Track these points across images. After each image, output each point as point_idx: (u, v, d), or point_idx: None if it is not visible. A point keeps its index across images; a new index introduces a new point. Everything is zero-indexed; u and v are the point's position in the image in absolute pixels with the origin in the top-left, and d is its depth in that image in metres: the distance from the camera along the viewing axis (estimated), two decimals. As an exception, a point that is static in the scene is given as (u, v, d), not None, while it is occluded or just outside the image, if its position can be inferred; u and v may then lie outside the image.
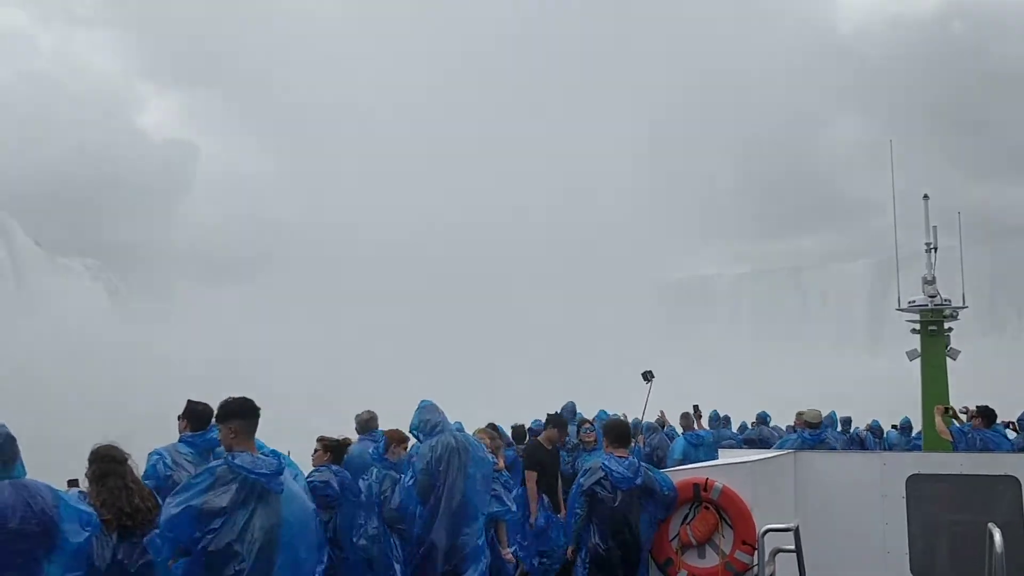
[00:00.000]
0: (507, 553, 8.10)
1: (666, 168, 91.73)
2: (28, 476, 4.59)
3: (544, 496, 9.85)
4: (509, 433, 12.26)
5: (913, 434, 18.36)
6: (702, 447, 13.14)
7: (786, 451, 8.74)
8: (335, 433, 8.08)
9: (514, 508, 8.72)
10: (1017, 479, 7.20)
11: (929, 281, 15.22)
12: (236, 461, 4.93)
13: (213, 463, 5.13)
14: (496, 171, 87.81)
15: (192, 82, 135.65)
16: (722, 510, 6.71)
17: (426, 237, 79.47)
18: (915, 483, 7.49)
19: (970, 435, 11.27)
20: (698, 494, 6.80)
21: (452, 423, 7.74)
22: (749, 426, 17.55)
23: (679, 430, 14.45)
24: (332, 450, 7.70)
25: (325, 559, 6.65)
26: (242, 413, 5.15)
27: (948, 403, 13.77)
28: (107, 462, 5.06)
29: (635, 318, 73.19)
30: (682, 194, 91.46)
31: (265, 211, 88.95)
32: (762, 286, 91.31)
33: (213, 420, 6.77)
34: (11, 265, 74.40)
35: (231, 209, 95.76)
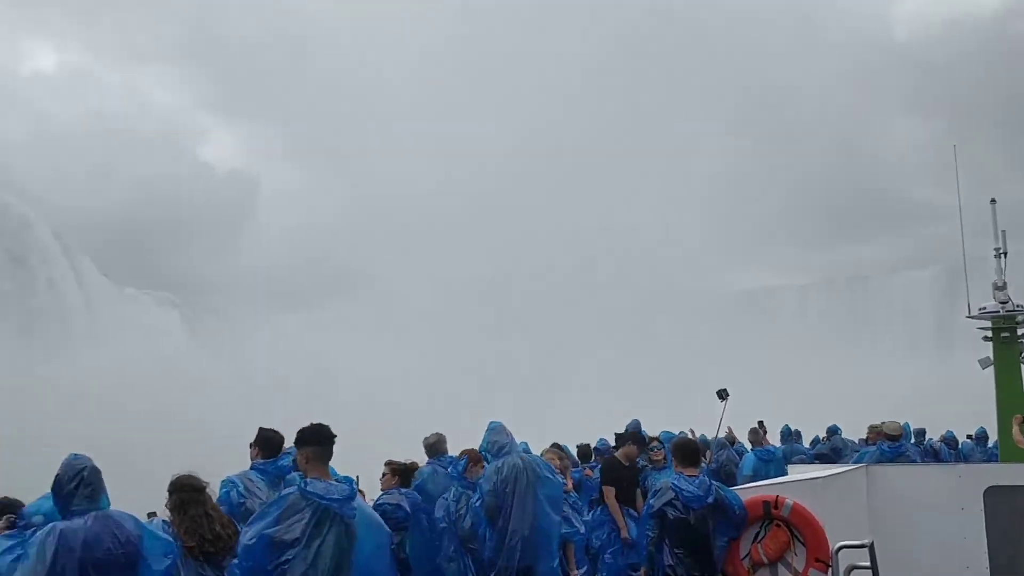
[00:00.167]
0: (575, 574, 8.09)
1: (725, 179, 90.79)
2: (112, 507, 4.73)
3: (632, 510, 9.80)
4: (574, 453, 12.25)
5: (989, 444, 17.90)
6: (772, 463, 12.94)
7: (857, 465, 8.59)
8: (403, 457, 8.17)
9: (583, 530, 8.71)
10: None
11: (1000, 287, 14.86)
12: (309, 488, 5.00)
13: (286, 491, 5.19)
14: (554, 180, 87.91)
15: (253, 113, 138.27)
16: (794, 527, 6.62)
17: (486, 255, 79.79)
18: (993, 495, 7.30)
19: (1049, 444, 10.97)
20: (768, 512, 6.71)
21: (518, 444, 7.76)
22: (820, 440, 17.25)
23: (748, 446, 14.28)
24: (400, 474, 7.79)
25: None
26: (316, 439, 5.22)
27: (1024, 411, 13.39)
28: (187, 491, 5.19)
29: (697, 333, 72.42)
30: (742, 205, 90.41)
31: (327, 238, 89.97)
32: (827, 296, 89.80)
33: (285, 446, 6.93)
34: (83, 298, 76.43)
35: (294, 237, 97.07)
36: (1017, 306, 14.84)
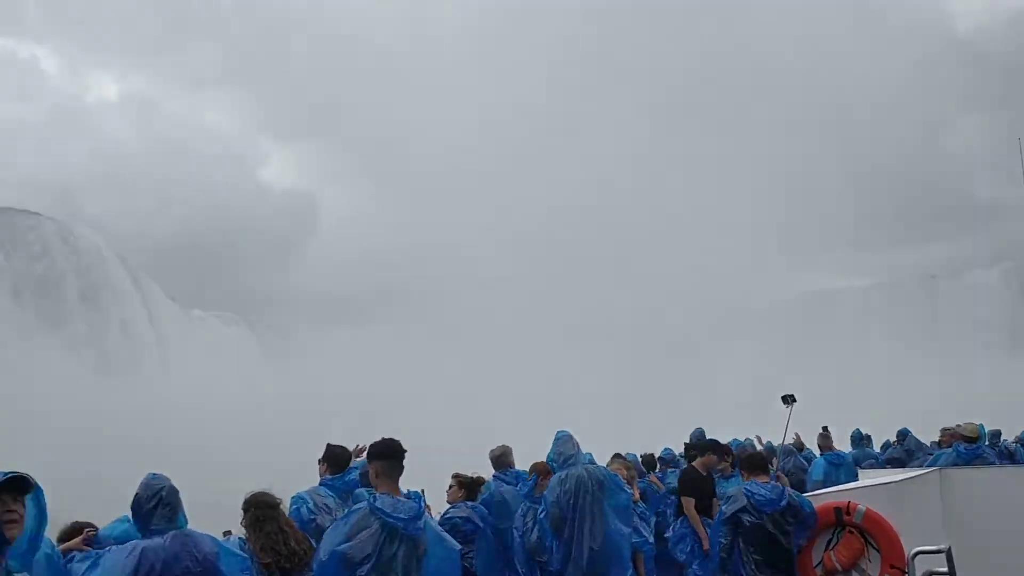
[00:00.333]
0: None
1: (784, 180, 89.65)
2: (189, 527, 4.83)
3: (711, 520, 9.68)
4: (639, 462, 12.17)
5: (1067, 445, 17.36)
6: (843, 467, 12.71)
7: (931, 469, 8.41)
8: (469, 470, 8.20)
9: (651, 540, 8.65)
10: None
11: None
12: (376, 503, 5.04)
13: (356, 507, 5.25)
14: (616, 191, 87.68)
15: (310, 133, 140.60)
16: (867, 533, 6.51)
17: (546, 268, 79.87)
18: None
19: None
20: (840, 518, 6.61)
21: (584, 455, 7.74)
22: (891, 444, 16.90)
23: (815, 452, 14.04)
24: (467, 487, 7.83)
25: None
26: (386, 454, 5.25)
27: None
28: (262, 508, 5.28)
29: (761, 338, 71.56)
30: (801, 207, 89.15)
31: (384, 253, 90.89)
32: (893, 297, 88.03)
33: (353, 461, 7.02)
34: (149, 320, 78.08)
35: (352, 253, 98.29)
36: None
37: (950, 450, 11.17)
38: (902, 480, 7.12)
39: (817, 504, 6.80)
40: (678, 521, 9.44)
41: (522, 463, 8.74)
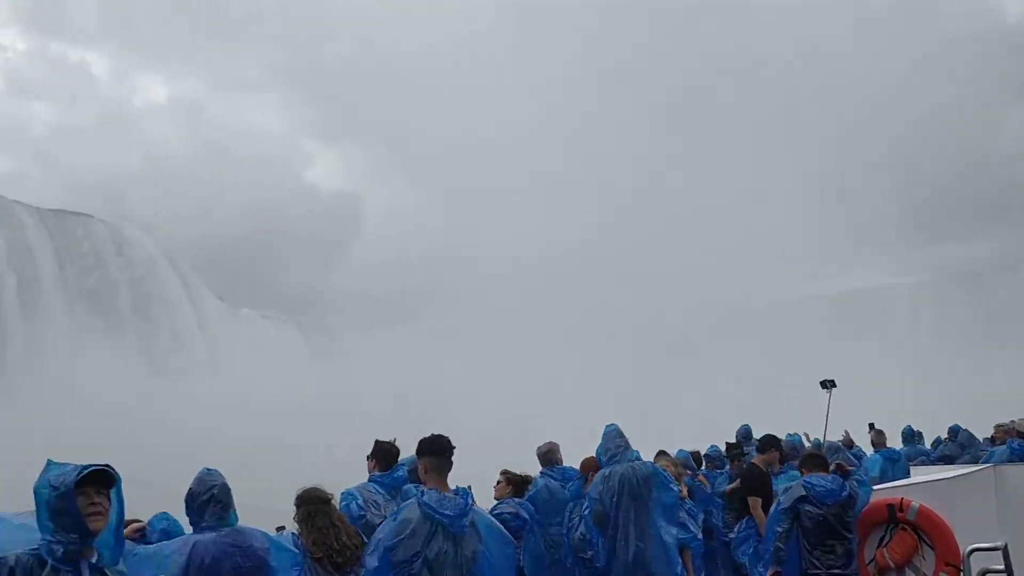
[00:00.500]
0: (694, 584, 7.96)
1: (827, 174, 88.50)
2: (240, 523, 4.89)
3: None
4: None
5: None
6: (898, 464, 12.53)
7: (985, 466, 8.27)
8: (517, 467, 8.21)
9: (700, 536, 8.58)
10: None
11: None
12: (424, 499, 5.06)
13: (404, 503, 5.29)
14: (648, 190, 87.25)
15: (354, 136, 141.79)
16: (921, 531, 6.42)
17: (590, 265, 79.72)
18: None
19: None
20: (893, 515, 6.53)
21: (632, 452, 7.68)
22: (942, 441, 16.62)
23: (865, 449, 13.86)
24: (515, 484, 7.84)
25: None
26: (434, 450, 5.27)
27: None
28: (314, 503, 5.32)
29: (803, 334, 70.71)
30: (844, 202, 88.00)
31: (427, 253, 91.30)
32: (941, 294, 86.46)
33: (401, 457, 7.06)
34: (197, 319, 79.16)
35: (395, 254, 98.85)
36: None
37: (1004, 447, 10.99)
38: (956, 477, 7.01)
39: (870, 500, 6.72)
40: (743, 522, 9.22)
41: (569, 459, 8.73)
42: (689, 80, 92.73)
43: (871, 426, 13.78)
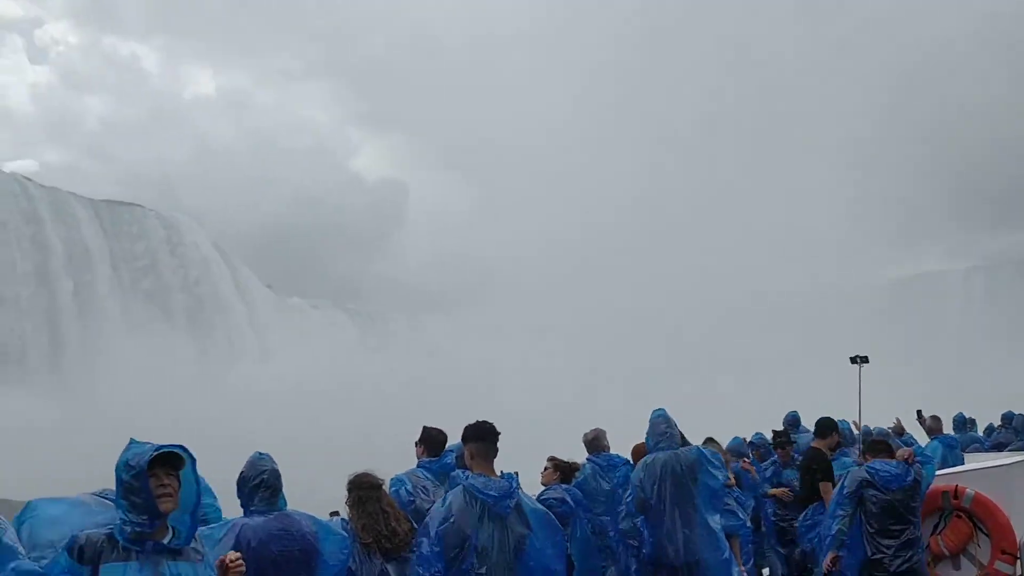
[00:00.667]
0: (742, 571, 7.90)
1: (876, 159, 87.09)
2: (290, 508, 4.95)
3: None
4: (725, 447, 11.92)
5: None
6: (954, 451, 12.30)
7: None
8: (563, 454, 8.21)
9: (749, 523, 8.50)
10: None
11: None
12: (469, 481, 5.13)
13: (451, 489, 5.35)
14: (703, 165, 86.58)
15: (398, 124, 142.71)
16: (976, 518, 6.32)
17: (629, 253, 79.35)
18: None
19: None
20: (948, 502, 6.44)
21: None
22: (996, 428, 16.29)
23: (917, 438, 13.61)
24: (562, 470, 7.84)
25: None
26: (479, 436, 5.33)
27: None
28: (365, 488, 5.36)
29: (856, 322, 69.71)
30: (899, 188, 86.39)
31: (472, 242, 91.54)
32: (996, 280, 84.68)
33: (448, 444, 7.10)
34: (246, 309, 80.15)
35: (441, 242, 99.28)
36: None
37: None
38: (1012, 463, 6.88)
39: (923, 489, 6.63)
40: (810, 508, 9.05)
41: (615, 447, 8.69)
42: (740, 63, 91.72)
43: (919, 413, 13.54)
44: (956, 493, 6.37)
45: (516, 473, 5.64)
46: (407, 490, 6.62)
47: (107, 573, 3.56)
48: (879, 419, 13.10)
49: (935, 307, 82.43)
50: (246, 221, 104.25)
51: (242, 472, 4.86)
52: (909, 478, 6.43)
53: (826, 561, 6.81)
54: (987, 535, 6.23)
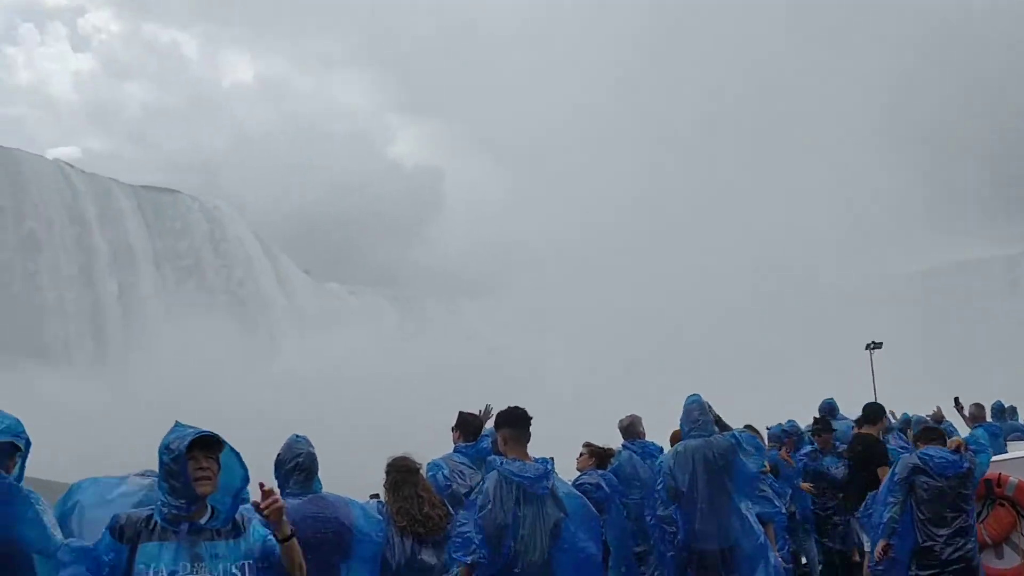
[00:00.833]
0: (777, 557, 7.84)
1: (923, 140, 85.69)
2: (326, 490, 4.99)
3: None
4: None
5: None
6: (998, 439, 12.11)
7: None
8: (598, 440, 8.20)
9: (784, 510, 8.45)
10: None
11: None
12: (504, 466, 5.19)
13: (487, 475, 5.39)
14: (735, 148, 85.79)
15: (437, 111, 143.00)
16: (1019, 506, 6.24)
17: (665, 235, 78.95)
18: None
19: None
20: (991, 490, 6.35)
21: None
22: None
23: (956, 426, 13.41)
24: (597, 455, 7.84)
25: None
26: (512, 421, 5.40)
27: None
28: (401, 472, 5.40)
29: (897, 311, 68.80)
30: (940, 171, 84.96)
31: (509, 229, 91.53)
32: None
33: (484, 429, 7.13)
34: (284, 295, 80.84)
35: (478, 229, 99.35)
36: None
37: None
38: (1056, 452, 6.77)
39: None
40: (870, 496, 8.93)
41: (651, 434, 8.66)
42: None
43: (956, 400, 13.34)
44: (999, 481, 6.29)
45: (551, 458, 5.67)
46: (444, 475, 6.65)
47: (144, 552, 3.66)
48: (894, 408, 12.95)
49: (979, 293, 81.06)
50: (284, 208, 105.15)
51: (278, 454, 4.91)
52: (964, 465, 6.32)
53: (877, 549, 6.71)
54: (1031, 524, 6.16)
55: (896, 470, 6.58)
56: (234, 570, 3.71)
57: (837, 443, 10.58)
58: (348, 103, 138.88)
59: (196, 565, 3.65)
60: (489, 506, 5.09)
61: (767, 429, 11.56)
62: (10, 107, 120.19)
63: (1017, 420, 14.69)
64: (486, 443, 7.04)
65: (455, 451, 7.03)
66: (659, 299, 70.43)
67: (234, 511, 3.85)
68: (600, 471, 7.76)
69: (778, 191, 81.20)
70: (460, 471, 6.78)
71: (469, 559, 4.98)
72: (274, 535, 3.85)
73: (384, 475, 5.41)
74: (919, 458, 6.43)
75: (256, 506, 3.81)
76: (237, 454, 3.88)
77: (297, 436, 4.98)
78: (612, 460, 8.30)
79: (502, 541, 5.02)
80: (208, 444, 3.76)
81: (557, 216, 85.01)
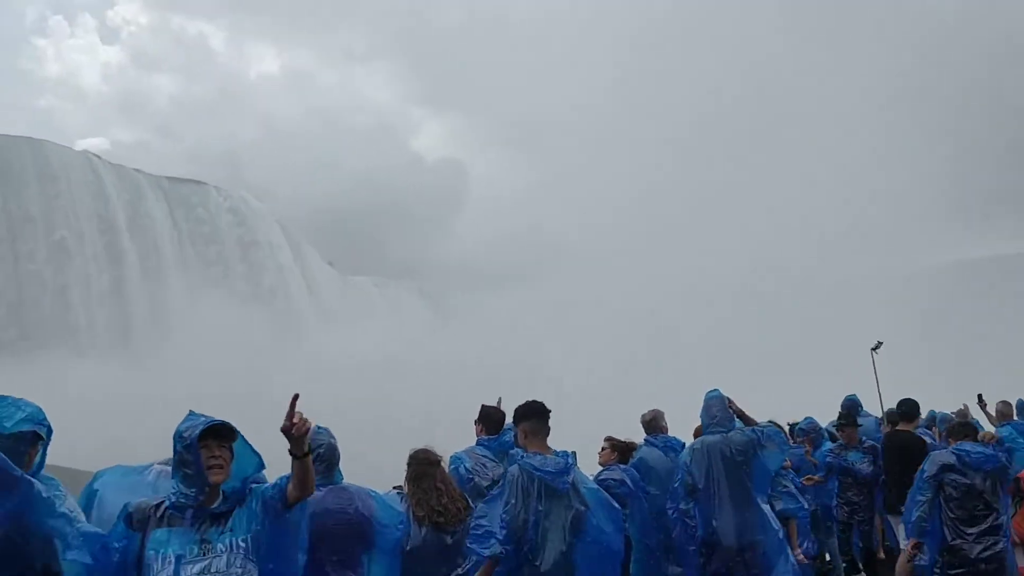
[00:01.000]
0: (798, 553, 7.77)
1: (952, 137, 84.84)
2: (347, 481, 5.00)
3: None
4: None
5: None
6: (1024, 438, 11.95)
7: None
8: (621, 435, 8.17)
9: (806, 506, 8.38)
10: None
11: None
12: (526, 460, 5.19)
13: (510, 469, 5.38)
14: (763, 140, 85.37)
15: (460, 104, 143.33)
16: (1048, 505, 6.15)
17: (663, 235, 78.77)
18: None
19: None
20: (1018, 488, 6.26)
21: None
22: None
23: (983, 423, 13.25)
24: (619, 450, 7.80)
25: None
26: (532, 415, 5.39)
27: None
28: (422, 464, 5.42)
29: (897, 311, 68.13)
30: (969, 165, 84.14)
31: (533, 221, 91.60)
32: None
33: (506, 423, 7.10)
34: (308, 287, 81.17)
35: (499, 221, 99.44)
36: None
37: None
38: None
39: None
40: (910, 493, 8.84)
41: (673, 428, 8.61)
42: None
43: (980, 397, 13.19)
44: (1028, 479, 6.21)
45: (573, 452, 5.65)
46: (466, 468, 6.65)
47: (154, 538, 3.71)
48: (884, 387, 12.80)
49: (1010, 287, 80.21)
50: (309, 200, 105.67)
51: None
52: (1001, 459, 6.23)
53: (907, 547, 6.64)
54: (1059, 523, 6.07)
55: (925, 467, 6.50)
56: (240, 543, 3.74)
57: (863, 439, 10.48)
58: (372, 96, 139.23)
59: (204, 548, 3.69)
60: (512, 500, 5.08)
61: (787, 425, 11.49)
62: (40, 98, 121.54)
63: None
64: (509, 436, 7.01)
65: (477, 444, 7.01)
66: (658, 299, 70.25)
67: (242, 491, 3.87)
68: (623, 466, 7.72)
69: (777, 191, 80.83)
70: (482, 464, 6.77)
71: (488, 552, 4.97)
72: (291, 451, 3.83)
73: (407, 466, 5.43)
74: (954, 453, 6.34)
75: (287, 430, 3.77)
76: (248, 444, 3.90)
77: (318, 427, 4.98)
78: (634, 454, 8.27)
79: (524, 534, 5.01)
80: (221, 433, 3.79)
81: (556, 215, 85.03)
